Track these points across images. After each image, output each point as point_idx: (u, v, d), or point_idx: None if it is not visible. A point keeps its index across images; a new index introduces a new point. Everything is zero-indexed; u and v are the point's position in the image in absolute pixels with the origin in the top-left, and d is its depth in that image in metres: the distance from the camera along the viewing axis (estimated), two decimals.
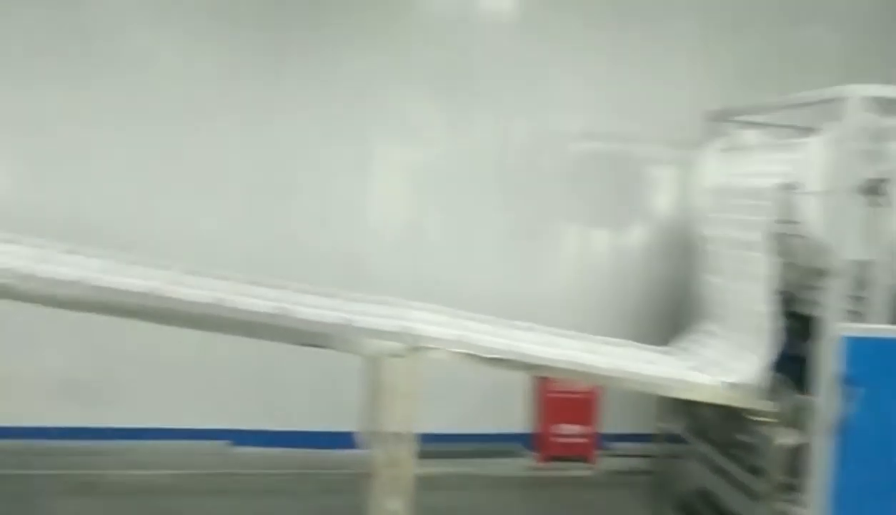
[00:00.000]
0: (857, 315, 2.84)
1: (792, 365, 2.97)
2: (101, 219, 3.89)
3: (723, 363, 3.16)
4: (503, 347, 2.86)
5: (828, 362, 2.77)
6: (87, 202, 3.96)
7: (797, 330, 3.00)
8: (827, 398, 2.76)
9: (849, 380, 2.74)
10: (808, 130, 3.05)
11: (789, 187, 2.95)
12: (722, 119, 3.71)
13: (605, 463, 4.32)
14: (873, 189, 2.85)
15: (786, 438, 2.88)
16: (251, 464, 3.95)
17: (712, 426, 3.49)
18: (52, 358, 3.94)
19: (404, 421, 2.61)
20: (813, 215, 2.92)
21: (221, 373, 4.02)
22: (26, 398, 3.89)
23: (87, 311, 2.47)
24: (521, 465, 4.25)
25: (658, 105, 4.35)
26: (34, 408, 3.91)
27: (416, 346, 2.61)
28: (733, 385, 2.97)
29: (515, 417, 4.37)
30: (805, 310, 2.98)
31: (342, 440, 3.90)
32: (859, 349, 2.74)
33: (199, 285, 2.71)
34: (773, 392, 2.97)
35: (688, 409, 3.68)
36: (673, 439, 3.81)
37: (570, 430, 4.27)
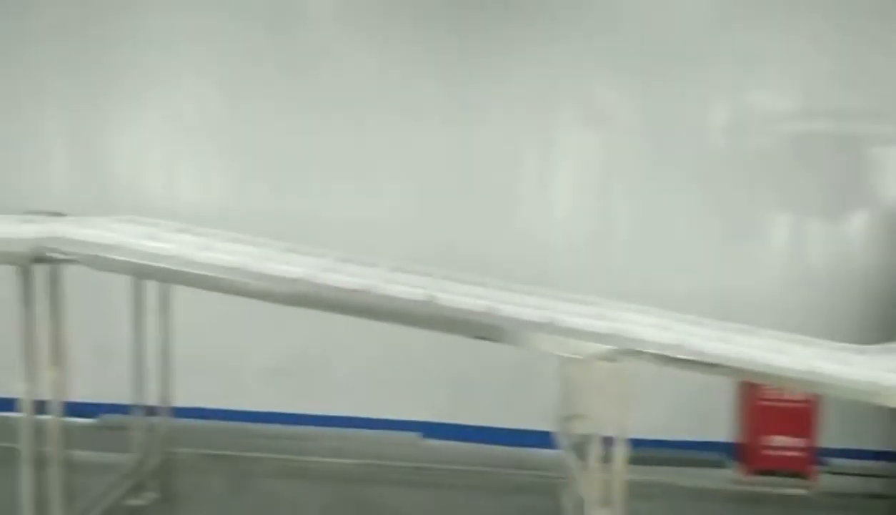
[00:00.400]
0: None
1: None
2: (298, 216, 4.07)
3: None
4: (721, 352, 2.60)
5: None
6: (286, 201, 4.18)
7: None
8: None
9: None
10: None
11: None
12: None
13: (826, 482, 3.84)
14: None
15: None
16: (442, 457, 3.98)
17: None
18: (264, 347, 4.20)
19: (616, 427, 2.46)
20: None
21: (415, 366, 4.10)
22: (242, 383, 4.22)
23: (305, 307, 2.57)
24: (727, 477, 3.91)
25: (890, 75, 3.79)
26: (248, 393, 4.23)
27: (629, 349, 2.43)
28: None
29: (718, 425, 4.03)
30: None
31: (534, 438, 3.85)
32: None
33: (406, 281, 2.73)
34: None
35: None
36: None
37: (782, 442, 3.85)
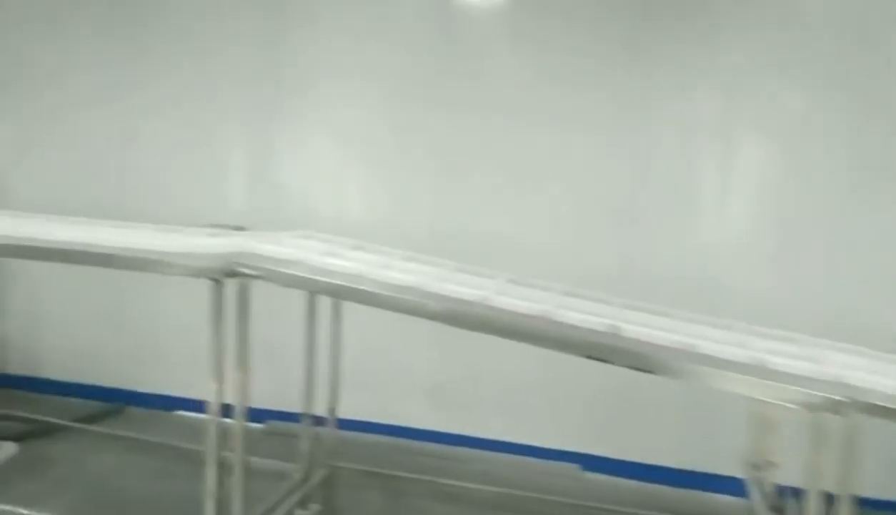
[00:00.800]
0: None
1: None
2: (459, 231, 4.01)
3: None
4: None
5: None
6: (447, 215, 4.12)
7: None
8: None
9: None
10: None
11: None
12: None
13: None
14: None
15: None
16: (604, 495, 3.73)
17: None
18: (426, 365, 4.18)
19: (838, 484, 2.15)
20: None
21: (579, 392, 3.87)
22: (398, 398, 4.21)
23: (480, 331, 2.47)
24: None
25: None
26: (404, 408, 4.21)
27: (856, 400, 2.11)
28: None
29: None
30: None
31: (710, 482, 3.53)
32: None
33: (584, 308, 2.57)
34: None
35: None
36: None
37: None
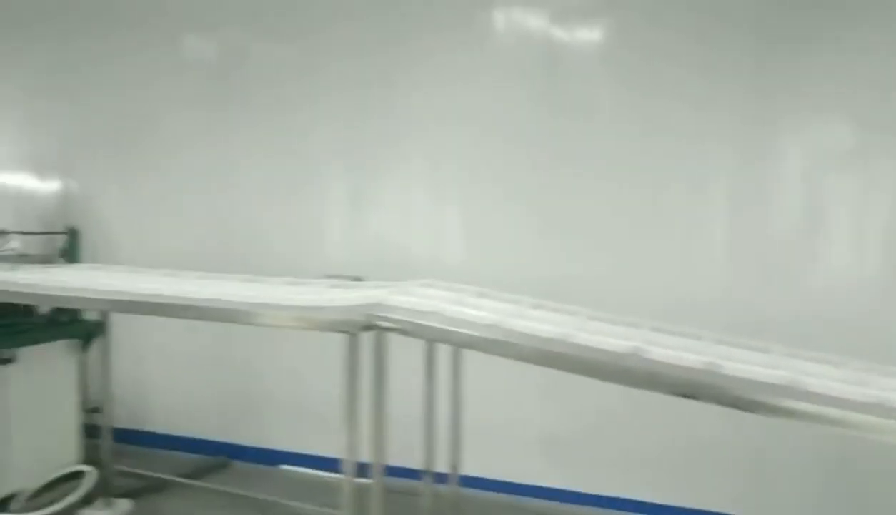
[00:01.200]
0: None
1: None
2: (560, 279, 3.86)
3: None
4: None
5: None
6: (544, 263, 3.99)
7: None
8: None
9: None
10: None
11: None
12: None
13: None
14: None
15: None
16: None
17: None
18: (534, 415, 4.02)
19: None
20: None
21: (703, 445, 3.66)
22: (508, 452, 4.03)
23: (640, 387, 2.31)
24: None
25: None
26: (516, 463, 4.04)
27: None
28: None
29: None
30: None
31: None
32: None
33: (745, 358, 2.38)
34: None
35: None
36: None
37: None
